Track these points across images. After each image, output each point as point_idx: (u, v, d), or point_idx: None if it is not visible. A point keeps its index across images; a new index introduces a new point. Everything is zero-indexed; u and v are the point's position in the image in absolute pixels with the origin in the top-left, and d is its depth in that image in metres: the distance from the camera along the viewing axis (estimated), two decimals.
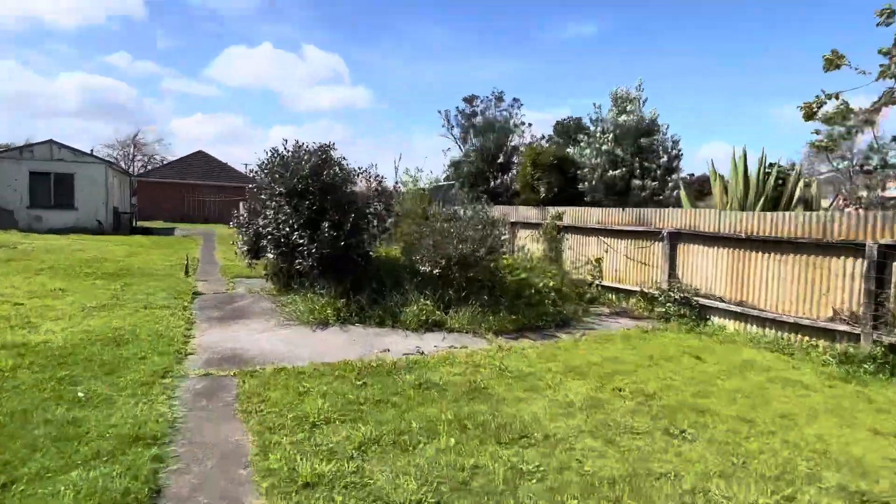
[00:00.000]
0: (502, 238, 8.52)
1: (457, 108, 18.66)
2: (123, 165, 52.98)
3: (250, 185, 9.58)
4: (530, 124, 18.50)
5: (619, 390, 5.17)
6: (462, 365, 5.82)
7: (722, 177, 10.18)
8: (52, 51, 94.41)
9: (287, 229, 8.27)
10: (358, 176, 9.21)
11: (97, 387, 4.61)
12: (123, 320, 7.02)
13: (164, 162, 50.40)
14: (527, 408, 4.63)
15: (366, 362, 5.71)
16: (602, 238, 10.40)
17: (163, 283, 9.97)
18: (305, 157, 8.49)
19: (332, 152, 9.03)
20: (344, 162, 9.15)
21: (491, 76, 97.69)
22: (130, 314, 7.40)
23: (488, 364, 5.86)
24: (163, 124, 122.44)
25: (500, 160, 16.43)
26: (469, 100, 17.63)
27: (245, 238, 9.37)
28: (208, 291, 9.61)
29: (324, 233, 7.86)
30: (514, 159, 17.05)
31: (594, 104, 13.20)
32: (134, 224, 27.00)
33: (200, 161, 41.90)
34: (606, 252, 10.34)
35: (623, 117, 11.75)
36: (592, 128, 13.10)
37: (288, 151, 8.94)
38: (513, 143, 17.25)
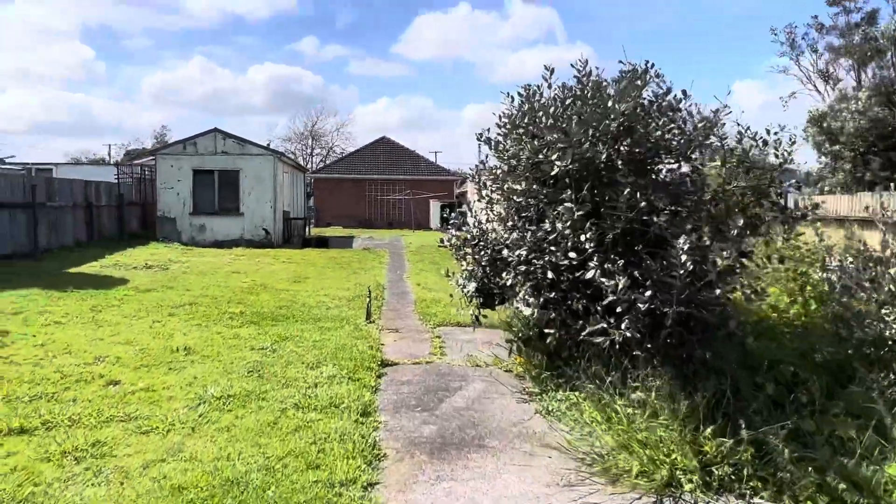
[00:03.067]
0: None
1: (813, 18, 13.52)
2: (301, 161, 58.36)
3: (478, 163, 6.58)
4: None
5: None
6: None
7: None
8: (243, 44, 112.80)
9: (571, 253, 4.89)
10: (711, 130, 5.46)
11: None
12: (254, 449, 4.56)
13: (344, 154, 53.90)
14: None
15: None
16: None
17: (334, 336, 8.29)
18: (610, 95, 5.02)
19: (653, 83, 5.45)
20: (676, 99, 5.50)
21: None
22: (269, 426, 5.00)
23: None
24: (345, 112, 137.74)
25: None
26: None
27: (472, 267, 6.36)
28: (403, 359, 7.47)
29: (674, 265, 4.22)
30: None
31: None
32: (307, 233, 27.66)
33: (384, 150, 43.14)
34: None
35: None
36: None
37: (561, 89, 5.62)
38: None
